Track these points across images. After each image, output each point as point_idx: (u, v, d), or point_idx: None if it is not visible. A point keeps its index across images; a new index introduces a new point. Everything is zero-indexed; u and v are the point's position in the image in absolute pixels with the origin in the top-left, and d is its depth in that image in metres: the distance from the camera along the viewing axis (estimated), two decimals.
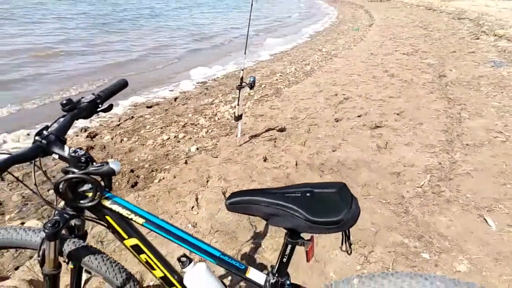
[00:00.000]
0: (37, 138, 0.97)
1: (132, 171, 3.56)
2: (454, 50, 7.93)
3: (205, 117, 5.03)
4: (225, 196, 2.72)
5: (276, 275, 0.99)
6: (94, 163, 0.99)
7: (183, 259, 1.06)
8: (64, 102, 1.06)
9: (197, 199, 2.70)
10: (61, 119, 1.06)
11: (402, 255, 2.08)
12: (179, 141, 4.25)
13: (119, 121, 5.20)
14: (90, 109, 1.13)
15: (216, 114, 5.13)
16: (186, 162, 3.48)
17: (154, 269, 1.07)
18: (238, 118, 3.52)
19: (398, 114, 4.33)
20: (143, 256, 1.06)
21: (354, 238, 2.21)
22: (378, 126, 4.00)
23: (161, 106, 5.85)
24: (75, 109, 1.09)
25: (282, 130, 4.02)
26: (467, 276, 1.91)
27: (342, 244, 0.93)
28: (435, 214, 2.43)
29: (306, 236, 0.95)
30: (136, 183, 3.30)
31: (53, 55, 9.52)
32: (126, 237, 1.04)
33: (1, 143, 4.50)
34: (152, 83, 7.57)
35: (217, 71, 8.50)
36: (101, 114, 4.44)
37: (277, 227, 0.93)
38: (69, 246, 1.12)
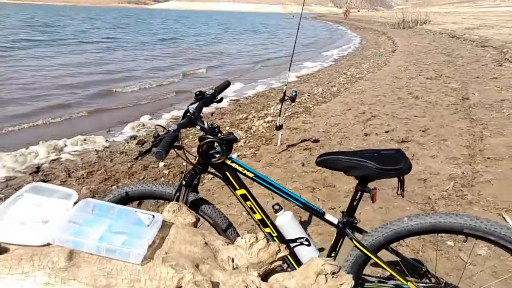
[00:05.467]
0: (188, 114, 1.42)
1: (182, 172, 4.01)
2: (477, 76, 8.25)
3: (241, 130, 5.49)
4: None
5: (347, 216, 1.39)
6: (222, 133, 1.43)
7: (276, 206, 1.47)
8: (197, 93, 1.52)
9: None
10: (194, 105, 1.52)
11: (430, 241, 2.43)
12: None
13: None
14: (210, 99, 1.58)
15: (251, 128, 5.58)
16: None
17: (255, 213, 1.48)
18: (279, 128, 3.95)
19: (423, 131, 4.68)
20: (248, 203, 1.48)
21: None
22: (405, 141, 4.36)
23: None
24: (203, 98, 1.54)
25: (316, 141, 4.42)
26: (487, 259, 2.24)
27: (398, 190, 1.33)
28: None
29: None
30: None
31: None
32: (238, 188, 1.47)
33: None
34: (188, 98, 8.17)
35: (247, 91, 9.04)
36: (147, 125, 4.94)
37: (351, 176, 1.34)
38: (190, 197, 1.55)
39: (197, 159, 1.49)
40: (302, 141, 4.45)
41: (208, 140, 1.40)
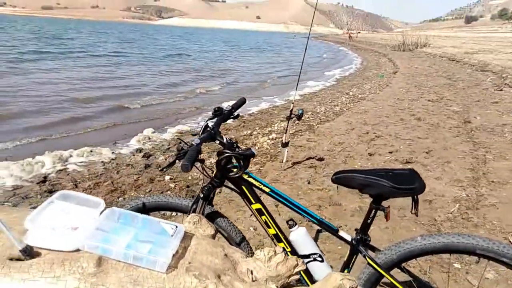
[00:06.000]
0: (207, 129, 1.47)
1: (188, 186, 4.03)
2: (478, 100, 8.35)
3: (246, 146, 5.53)
4: (277, 208, 3.15)
5: (361, 234, 1.42)
6: (240, 149, 1.47)
7: (291, 222, 1.50)
8: (216, 109, 1.57)
9: None
10: (213, 120, 1.57)
11: (437, 263, 2.44)
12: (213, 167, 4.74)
13: (168, 145, 5.77)
14: (227, 115, 1.63)
15: (255, 144, 5.62)
16: None
17: (270, 228, 1.51)
18: (285, 145, 4.00)
19: (427, 153, 4.73)
20: (263, 217, 1.51)
21: None
22: (409, 162, 4.40)
23: None
24: (221, 114, 1.59)
25: (321, 159, 4.46)
26: (495, 283, 2.25)
27: (412, 209, 1.36)
28: None
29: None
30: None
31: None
32: (253, 202, 1.50)
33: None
34: (194, 114, 8.30)
35: (251, 107, 9.13)
36: (153, 138, 5.01)
37: (366, 194, 1.38)
38: (206, 210, 1.58)
39: (214, 172, 1.53)
40: (307, 159, 4.48)
41: (227, 154, 1.44)
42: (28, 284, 0.87)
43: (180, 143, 1.40)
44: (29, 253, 0.91)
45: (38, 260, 0.92)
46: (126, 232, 1.05)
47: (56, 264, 0.92)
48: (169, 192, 3.75)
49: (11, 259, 0.91)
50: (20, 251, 0.90)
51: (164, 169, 1.38)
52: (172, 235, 1.08)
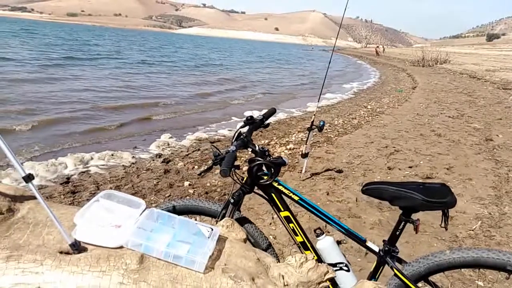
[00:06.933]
0: (241, 137, 1.51)
1: (206, 193, 4.08)
2: (500, 118, 8.21)
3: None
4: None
5: (388, 245, 1.43)
6: (272, 157, 1.51)
7: (318, 231, 1.52)
8: (249, 118, 1.62)
9: (273, 217, 3.15)
10: (245, 128, 1.61)
11: (459, 280, 2.40)
12: (243, 173, 4.78)
13: (187, 151, 5.85)
14: (259, 124, 1.68)
15: (273, 154, 5.65)
16: None
17: (297, 235, 1.53)
18: (305, 155, 4.02)
19: (447, 169, 4.67)
20: (291, 225, 1.53)
21: None
22: (429, 177, 4.35)
23: (223, 143, 6.49)
24: (253, 123, 1.64)
25: (339, 171, 4.46)
26: None
27: (442, 222, 1.37)
28: None
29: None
30: None
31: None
32: (282, 209, 1.53)
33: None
34: (212, 122, 8.41)
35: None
36: (172, 144, 5.08)
37: (396, 206, 1.39)
38: (235, 215, 1.62)
39: (245, 179, 1.57)
40: (325, 171, 4.49)
41: (259, 162, 1.48)
42: (77, 277, 0.92)
43: (216, 148, 1.45)
44: (78, 247, 0.96)
45: (86, 255, 0.96)
46: (165, 232, 1.09)
47: (102, 259, 0.97)
48: (188, 197, 3.80)
49: (61, 252, 0.96)
50: (70, 245, 0.95)
51: (202, 174, 1.45)
52: (208, 237, 1.12)
